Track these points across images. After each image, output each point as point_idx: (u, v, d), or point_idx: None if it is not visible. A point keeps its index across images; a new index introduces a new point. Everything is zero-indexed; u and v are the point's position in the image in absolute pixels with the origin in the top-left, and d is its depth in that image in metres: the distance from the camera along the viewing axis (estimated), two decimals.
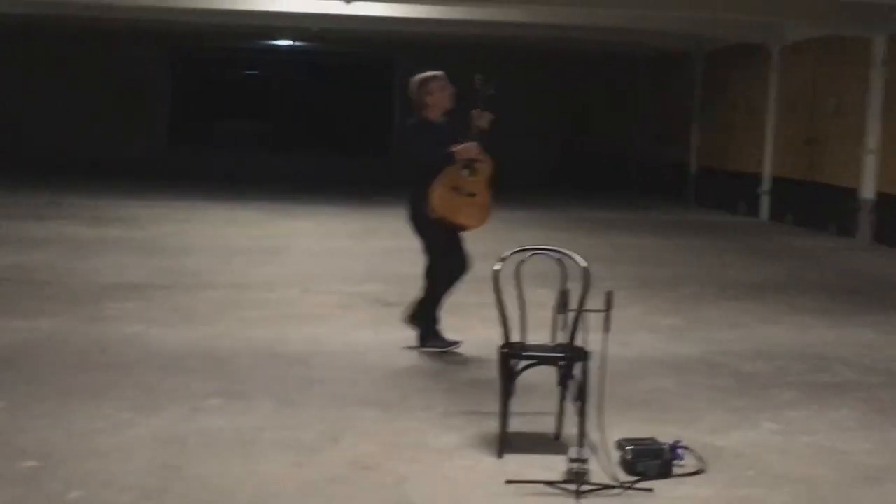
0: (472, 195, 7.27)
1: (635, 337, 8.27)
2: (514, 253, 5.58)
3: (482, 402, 6.01)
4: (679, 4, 14.11)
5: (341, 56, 29.53)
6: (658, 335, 8.46)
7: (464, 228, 7.38)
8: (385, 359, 7.36)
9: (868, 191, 14.75)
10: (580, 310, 5.30)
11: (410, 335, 7.79)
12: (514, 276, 5.53)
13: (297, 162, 26.63)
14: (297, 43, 25.65)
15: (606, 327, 5.05)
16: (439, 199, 7.20)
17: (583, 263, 5.57)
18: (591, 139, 26.03)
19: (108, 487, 4.70)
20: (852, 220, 15.09)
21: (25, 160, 23.83)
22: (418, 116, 7.47)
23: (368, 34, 21.18)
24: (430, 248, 7.42)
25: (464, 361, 7.31)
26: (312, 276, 10.81)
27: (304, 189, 20.45)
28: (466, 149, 7.25)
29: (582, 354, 5.36)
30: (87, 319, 8.31)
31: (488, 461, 5.23)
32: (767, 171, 17.67)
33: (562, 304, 5.09)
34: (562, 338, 5.50)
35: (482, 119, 7.27)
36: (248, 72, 31.97)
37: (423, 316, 7.52)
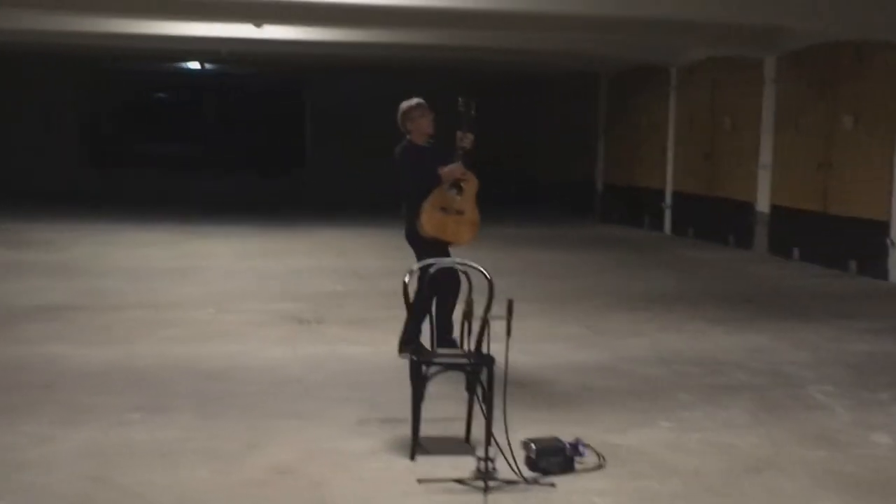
0: (461, 213, 7.73)
1: (542, 346, 8.67)
2: (422, 266, 5.90)
3: (396, 411, 6.28)
4: (580, 27, 14.58)
5: (253, 78, 29.71)
6: (563, 344, 8.85)
7: (454, 245, 7.75)
8: (301, 372, 7.62)
9: (763, 204, 15.39)
10: (484, 317, 5.62)
11: (324, 350, 8.12)
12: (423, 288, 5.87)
13: (211, 182, 26.73)
14: (208, 66, 25.76)
15: (508, 332, 5.37)
16: (428, 219, 7.67)
17: (487, 276, 5.90)
18: (501, 158, 26.50)
19: (35, 497, 4.92)
20: (749, 232, 15.71)
21: None
22: (406, 141, 7.96)
23: (278, 56, 21.39)
24: None
25: (378, 372, 7.60)
26: (229, 295, 11.00)
27: (218, 210, 20.55)
28: (451, 170, 7.74)
29: (488, 361, 5.70)
30: (6, 341, 8.44)
31: (401, 463, 5.54)
32: (669, 187, 18.28)
33: (467, 313, 5.42)
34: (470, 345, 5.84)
35: (465, 140, 7.75)
36: (159, 94, 31.97)
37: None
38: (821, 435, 6.24)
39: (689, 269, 13.91)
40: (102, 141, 28.38)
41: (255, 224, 18.09)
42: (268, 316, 9.85)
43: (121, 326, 9.16)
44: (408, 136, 8.01)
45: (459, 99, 7.73)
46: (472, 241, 7.83)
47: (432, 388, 5.99)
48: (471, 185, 7.79)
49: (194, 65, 25.98)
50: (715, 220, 16.68)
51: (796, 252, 14.56)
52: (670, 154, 18.28)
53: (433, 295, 6.64)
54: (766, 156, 15.36)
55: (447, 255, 7.54)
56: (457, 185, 7.75)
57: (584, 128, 21.77)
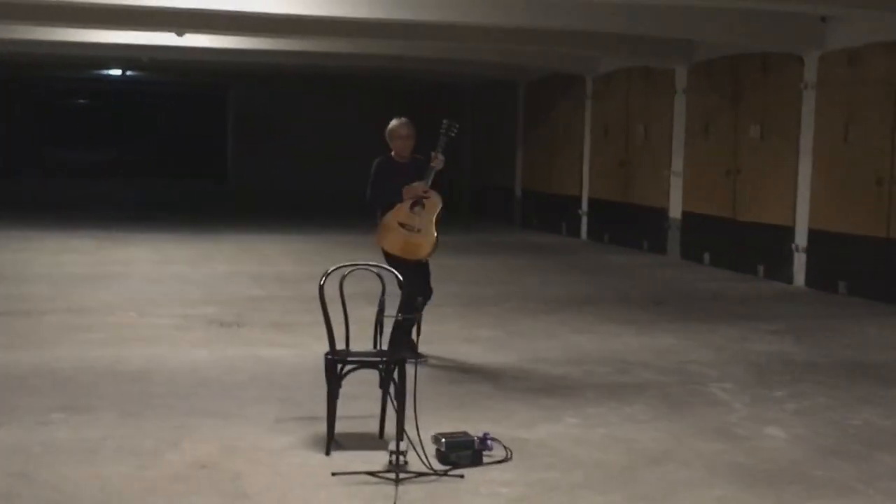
0: (419, 231, 7.95)
1: (457, 348, 8.95)
2: (337, 269, 6.12)
3: (314, 410, 6.50)
4: (497, 38, 14.91)
5: (175, 85, 29.65)
6: (478, 346, 9.12)
7: (406, 260, 7.84)
8: (221, 374, 7.80)
9: (675, 210, 15.87)
10: (396, 318, 5.86)
11: (244, 352, 8.33)
12: (339, 291, 6.11)
13: (132, 189, 26.64)
14: (129, 73, 25.67)
15: (418, 331, 5.61)
16: (384, 234, 8.01)
17: (399, 277, 6.14)
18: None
19: None
20: (662, 238, 16.18)
21: None
22: (384, 156, 8.28)
23: (200, 64, 21.44)
24: None
25: (297, 373, 7.80)
26: (150, 300, 11.11)
27: (140, 216, 20.53)
28: (414, 188, 7.99)
29: (400, 359, 5.94)
30: None
31: (317, 458, 5.76)
32: (586, 193, 18.71)
33: (378, 311, 5.65)
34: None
35: (437, 161, 7.99)
36: (80, 100, 31.73)
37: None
38: (718, 429, 6.58)
39: (603, 274, 14.29)
40: (21, 147, 28.09)
41: (177, 231, 18.13)
42: (188, 320, 9.99)
43: (42, 331, 9.25)
44: (391, 152, 8.31)
45: (444, 121, 8.03)
46: (428, 256, 8.09)
47: (350, 388, 6.24)
48: (432, 204, 8.01)
49: (116, 72, 25.87)
50: (630, 225, 17.12)
51: (707, 257, 15.04)
52: (586, 161, 18.71)
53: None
54: (677, 163, 15.84)
55: (408, 266, 7.69)
56: (418, 202, 7.98)
57: (503, 135, 22.14)
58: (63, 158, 29.32)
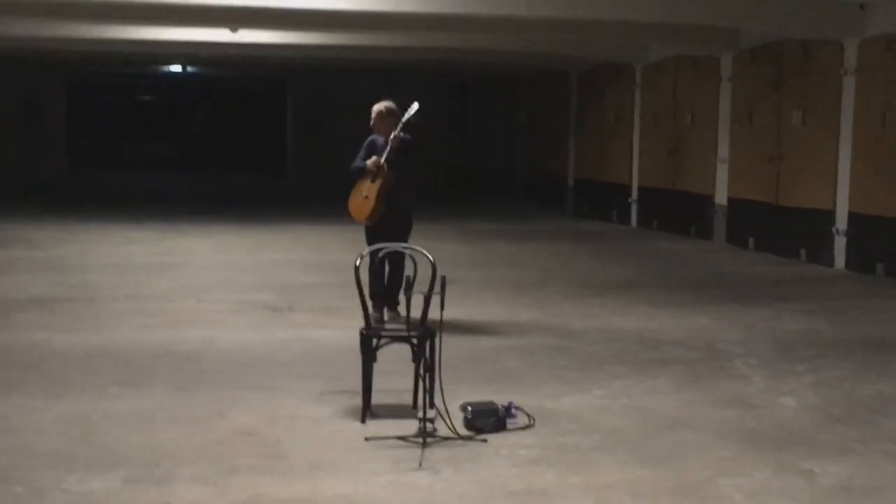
0: (367, 198, 9.07)
1: (496, 328, 9.36)
2: (372, 250, 6.54)
3: (354, 384, 6.83)
4: (548, 29, 15.24)
5: (235, 80, 30.29)
6: (517, 326, 9.51)
7: (360, 220, 9.22)
8: (270, 353, 8.26)
9: (721, 196, 16.10)
10: (430, 293, 6.27)
11: (293, 333, 8.84)
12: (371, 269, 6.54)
13: (194, 183, 27.33)
14: (190, 68, 26.36)
15: (441, 305, 6.02)
16: (349, 200, 9.22)
17: (431, 258, 6.54)
18: (478, 155, 27.22)
19: (25, 455, 5.56)
20: (709, 224, 16.41)
21: None
22: (373, 135, 9.34)
23: (257, 59, 22.03)
24: None
25: (342, 353, 8.23)
26: (207, 287, 11.63)
27: (200, 209, 21.16)
28: (370, 163, 9.09)
29: (430, 333, 6.35)
30: None
31: (353, 426, 6.20)
32: (635, 181, 18.98)
33: (407, 287, 6.07)
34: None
35: (392, 140, 8.98)
36: (144, 96, 32.55)
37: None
38: (734, 399, 6.92)
39: (648, 259, 14.59)
40: (88, 142, 28.95)
41: (236, 222, 18.70)
42: (242, 305, 10.47)
43: (104, 316, 9.78)
44: (375, 132, 9.31)
45: (414, 105, 8.90)
46: (366, 220, 9.12)
47: (388, 364, 6.67)
48: (382, 178, 9.01)
49: (177, 68, 26.60)
50: (677, 212, 17.37)
51: (751, 242, 15.25)
52: (636, 149, 18.97)
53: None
54: (723, 150, 16.06)
55: (375, 232, 9.00)
56: (375, 174, 9.01)
57: (556, 125, 22.46)
58: (126, 153, 30.14)
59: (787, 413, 6.62)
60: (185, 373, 7.54)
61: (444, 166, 28.05)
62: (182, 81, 29.98)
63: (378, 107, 9.31)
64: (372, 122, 9.31)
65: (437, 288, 6.12)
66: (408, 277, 6.15)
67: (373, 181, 9.04)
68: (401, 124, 8.95)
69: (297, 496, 5.03)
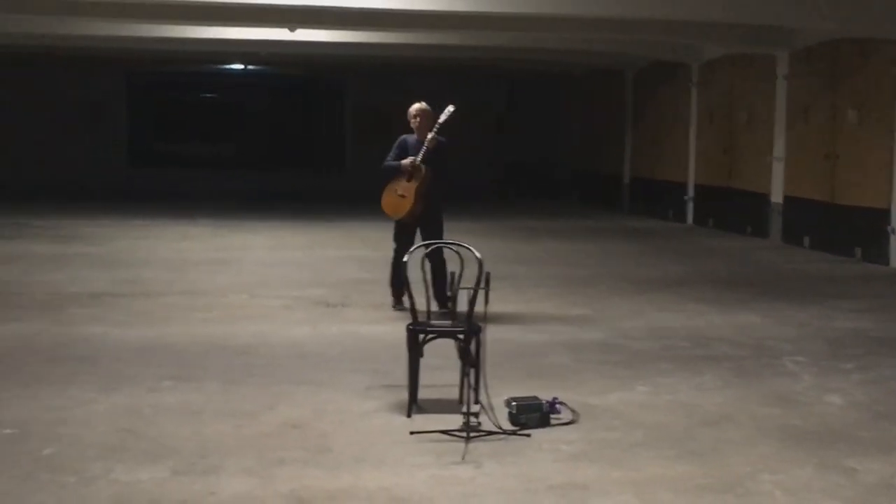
0: (403, 196, 9.40)
1: (545, 325, 9.39)
2: (419, 247, 6.62)
3: (403, 379, 6.93)
4: (603, 28, 15.24)
5: (294, 78, 30.52)
6: (566, 323, 9.54)
7: (397, 218, 9.59)
8: (321, 348, 8.37)
9: (777, 195, 15.97)
10: (475, 291, 6.32)
11: (345, 329, 8.94)
12: (421, 267, 6.62)
13: (252, 180, 27.61)
14: (250, 67, 26.63)
15: (486, 301, 6.07)
16: (383, 198, 9.64)
17: (478, 255, 6.59)
18: (533, 153, 27.21)
19: (76, 446, 5.70)
20: (764, 222, 16.30)
21: None
22: (408, 134, 9.69)
23: (317, 57, 22.23)
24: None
25: (392, 348, 8.31)
26: (262, 282, 11.79)
27: (258, 206, 21.41)
28: (405, 162, 9.40)
29: (476, 329, 6.41)
30: (53, 322, 9.26)
31: (399, 420, 6.27)
32: (691, 179, 18.88)
33: (452, 283, 6.13)
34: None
35: (429, 141, 9.35)
36: (204, 95, 32.93)
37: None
38: (780, 396, 6.90)
39: (701, 257, 14.53)
40: (148, 140, 29.35)
41: (293, 219, 18.90)
42: (296, 301, 10.60)
43: (158, 310, 9.96)
44: (411, 130, 9.65)
45: (450, 107, 9.28)
46: (407, 217, 9.46)
47: (437, 360, 6.75)
48: (418, 177, 9.36)
49: (238, 66, 26.89)
50: (733, 210, 17.27)
51: (807, 240, 15.12)
52: (692, 147, 18.88)
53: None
54: (779, 148, 15.94)
55: (402, 225, 9.58)
56: (409, 174, 9.32)
57: (611, 123, 22.41)
58: (186, 151, 30.51)
59: (833, 410, 6.59)
60: (236, 367, 7.67)
61: (497, 164, 28.09)
62: (242, 80, 30.29)
63: (418, 107, 9.62)
64: (412, 121, 9.60)
65: (483, 284, 6.17)
66: (452, 274, 6.21)
67: (409, 180, 9.37)
68: (437, 126, 9.29)
69: (341, 488, 5.11)
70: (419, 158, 9.36)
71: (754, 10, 13.24)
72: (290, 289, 11.34)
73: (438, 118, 9.36)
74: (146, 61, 25.41)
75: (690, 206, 18.90)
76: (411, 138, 9.62)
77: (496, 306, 9.95)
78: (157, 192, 24.29)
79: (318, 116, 32.31)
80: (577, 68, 23.07)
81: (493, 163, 28.16)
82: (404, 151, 9.53)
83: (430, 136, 9.33)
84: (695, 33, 15.73)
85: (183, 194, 23.90)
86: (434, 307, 7.22)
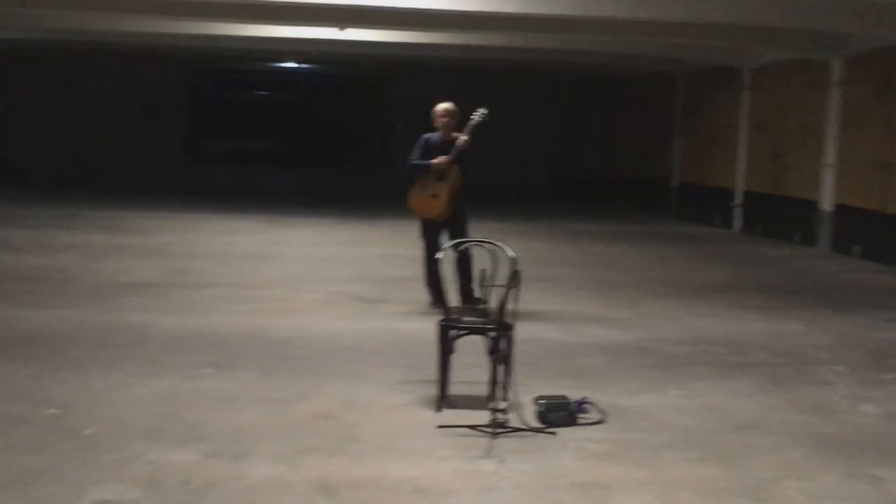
0: (434, 196, 9.48)
1: (583, 327, 9.42)
2: (453, 245, 6.71)
3: (434, 374, 7.01)
4: (653, 31, 15.23)
5: (345, 77, 30.73)
6: (604, 325, 9.56)
7: (427, 217, 9.69)
8: (358, 342, 8.47)
9: (827, 203, 15.85)
10: (506, 289, 6.39)
11: (383, 324, 9.06)
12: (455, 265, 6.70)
13: (302, 177, 27.84)
14: (303, 65, 26.87)
15: (516, 298, 6.14)
16: (411, 197, 9.71)
17: (511, 254, 6.64)
18: (581, 156, 27.19)
19: (116, 427, 5.86)
20: (813, 230, 16.18)
21: (47, 176, 25.14)
22: (431, 133, 9.76)
23: (367, 56, 22.40)
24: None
25: (428, 344, 8.38)
26: (304, 277, 11.94)
27: (305, 202, 21.61)
28: (437, 162, 9.46)
29: (507, 326, 6.47)
30: (101, 310, 9.47)
31: (428, 414, 6.36)
32: (740, 185, 18.79)
33: (481, 281, 6.21)
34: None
35: (460, 141, 9.36)
36: (259, 92, 33.25)
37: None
38: (814, 404, 6.88)
39: (746, 264, 14.47)
40: (204, 136, 29.68)
41: (338, 216, 19.08)
42: (337, 296, 10.73)
43: (202, 301, 10.14)
44: (437, 131, 9.71)
45: (482, 110, 9.40)
46: (438, 217, 9.58)
47: (468, 357, 6.82)
48: (452, 177, 9.48)
49: (291, 64, 27.14)
50: (782, 218, 17.17)
51: (857, 249, 15.00)
52: (741, 153, 18.79)
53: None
54: (830, 155, 15.82)
55: (432, 224, 9.63)
56: (440, 174, 9.40)
57: (660, 127, 22.34)
58: (239, 148, 30.79)
59: (866, 420, 6.57)
60: (274, 357, 7.80)
61: (545, 168, 28.10)
62: (295, 78, 30.54)
63: (446, 107, 9.70)
64: (439, 120, 9.65)
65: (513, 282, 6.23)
66: (483, 271, 6.28)
67: (439, 180, 9.46)
68: (469, 127, 9.38)
69: (366, 477, 5.21)
70: (451, 158, 9.43)
71: (810, 16, 13.19)
72: (332, 284, 11.48)
73: (470, 120, 9.43)
74: (202, 59, 25.77)
75: (739, 213, 18.80)
76: (434, 137, 9.69)
77: (534, 306, 10.09)
78: (210, 187, 24.59)
79: (367, 115, 32.49)
80: (628, 72, 23.04)
81: (542, 166, 28.16)
82: (428, 151, 9.60)
83: (463, 137, 9.41)
84: (749, 38, 15.67)
85: (235, 190, 24.20)
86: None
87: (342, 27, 15.92)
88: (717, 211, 19.43)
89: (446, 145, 9.55)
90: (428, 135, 9.76)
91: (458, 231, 9.54)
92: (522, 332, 8.44)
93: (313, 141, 30.82)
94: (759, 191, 18.06)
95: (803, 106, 16.73)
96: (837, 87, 15.71)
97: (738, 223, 18.80)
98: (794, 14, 13.19)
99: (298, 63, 26.66)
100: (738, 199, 18.80)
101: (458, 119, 9.69)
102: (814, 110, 16.35)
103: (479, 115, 9.43)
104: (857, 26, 13.55)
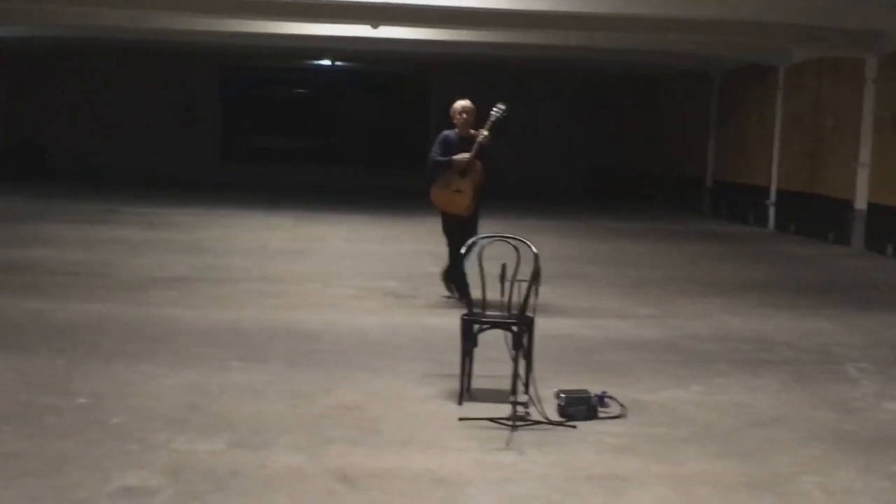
0: (459, 191, 9.59)
1: (609, 323, 9.46)
2: (477, 240, 6.77)
3: (458, 369, 7.09)
4: (687, 29, 15.23)
5: (380, 75, 30.87)
6: (632, 322, 9.59)
7: (451, 213, 9.78)
8: (385, 337, 8.56)
9: (861, 201, 15.76)
10: (529, 284, 6.44)
11: (411, 319, 9.14)
12: (478, 260, 6.75)
13: (338, 174, 28.01)
14: (338, 63, 27.02)
15: (536, 293, 6.20)
16: (434, 193, 9.77)
17: (535, 250, 6.70)
18: (616, 155, 27.14)
19: (143, 416, 5.97)
20: (847, 229, 16.09)
21: (84, 173, 25.46)
22: (451, 130, 9.86)
23: (401, 54, 22.50)
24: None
25: (455, 339, 8.41)
26: (336, 272, 12.04)
27: (341, 199, 21.76)
28: (460, 158, 9.52)
29: (529, 321, 6.53)
30: (133, 304, 9.61)
31: (450, 407, 6.43)
32: (774, 183, 18.71)
33: (501, 276, 6.28)
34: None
35: (482, 137, 9.51)
36: (293, 90, 33.48)
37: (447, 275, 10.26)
38: (838, 401, 6.88)
39: (778, 263, 14.41)
40: (239, 135, 29.92)
41: (372, 213, 19.18)
42: (367, 291, 10.82)
43: (234, 296, 10.26)
44: (455, 128, 9.84)
45: (501, 105, 9.47)
46: (462, 212, 9.67)
47: (493, 351, 6.87)
48: (474, 172, 9.57)
49: (325, 62, 27.30)
50: (816, 216, 17.08)
51: (891, 249, 14.90)
52: (776, 152, 18.71)
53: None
54: (864, 154, 15.72)
55: (455, 219, 9.72)
56: (463, 170, 9.48)
57: (695, 125, 22.28)
58: (275, 145, 31.01)
59: (889, 417, 6.57)
60: (301, 351, 7.89)
61: (581, 166, 28.08)
62: (331, 76, 30.71)
63: (465, 104, 9.80)
64: (458, 117, 9.76)
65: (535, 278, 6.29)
66: (504, 266, 6.34)
67: (463, 176, 9.56)
68: (489, 123, 9.47)
69: (385, 467, 5.28)
70: (473, 154, 9.53)
71: (844, 14, 13.14)
72: (363, 279, 11.57)
73: (490, 115, 9.50)
74: (237, 57, 25.97)
75: (772, 211, 18.73)
76: (453, 134, 9.80)
77: (563, 302, 10.14)
78: (246, 184, 24.81)
79: (403, 112, 32.61)
80: (662, 70, 22.99)
81: (578, 164, 28.14)
82: (448, 148, 9.71)
83: (484, 133, 9.50)
84: (784, 36, 15.62)
85: (269, 187, 24.37)
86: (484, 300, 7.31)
87: (374, 25, 16.01)
88: (751, 209, 19.35)
89: (465, 142, 9.66)
90: (447, 132, 9.87)
91: (471, 226, 9.63)
92: (549, 327, 8.59)
93: (347, 138, 31.01)
94: (794, 189, 17.98)
95: (838, 104, 16.63)
96: (872, 85, 15.61)
97: (772, 222, 18.72)
98: (828, 12, 13.16)
99: (333, 61, 26.80)
100: (773, 197, 18.71)
101: (476, 116, 9.80)
102: (848, 108, 16.25)
103: (498, 110, 9.52)
104: (892, 24, 13.47)
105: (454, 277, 9.96)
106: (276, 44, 20.02)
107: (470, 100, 9.89)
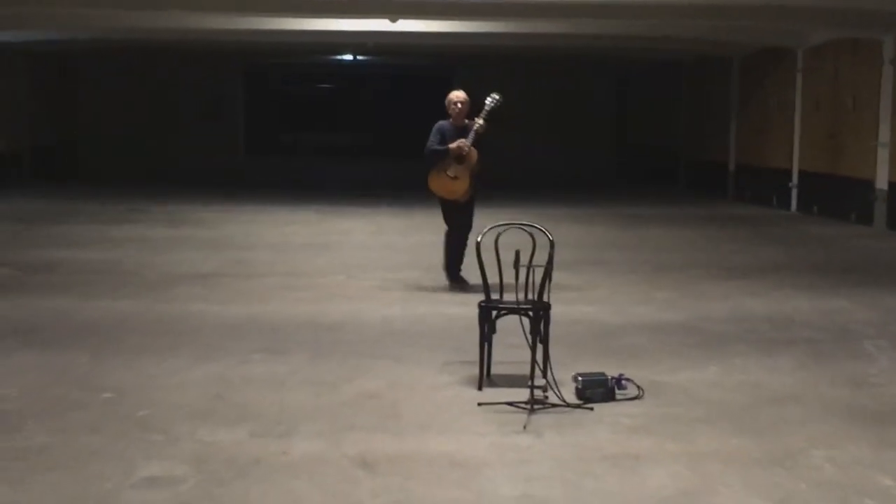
0: (456, 178, 9.91)
1: (629, 307, 9.54)
2: (493, 227, 6.87)
3: (478, 356, 7.27)
4: (709, 15, 15.24)
5: (403, 68, 30.99)
6: (651, 306, 9.67)
7: (449, 199, 10.20)
8: (407, 326, 8.68)
9: (882, 181, 15.75)
10: (545, 270, 6.54)
11: (433, 309, 9.26)
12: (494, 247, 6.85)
13: (362, 167, 28.17)
14: (360, 57, 27.16)
15: (550, 278, 6.30)
16: (432, 180, 10.19)
17: (550, 237, 6.80)
18: (639, 141, 27.17)
19: (169, 408, 6.13)
20: (869, 209, 16.08)
21: (110, 171, 25.72)
22: (445, 120, 10.23)
23: (421, 47, 22.60)
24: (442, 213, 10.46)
25: (474, 327, 8.56)
26: (359, 265, 12.17)
27: (365, 193, 21.89)
28: (456, 145, 9.94)
29: (545, 307, 6.63)
30: (159, 300, 9.78)
31: (470, 392, 6.55)
32: (796, 166, 18.71)
33: (515, 262, 6.39)
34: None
35: (478, 125, 9.92)
36: (317, 85, 33.69)
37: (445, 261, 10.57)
38: (853, 378, 6.95)
39: (800, 244, 14.44)
40: (264, 130, 30.14)
41: (396, 205, 19.29)
42: (390, 282, 10.94)
43: (258, 290, 10.41)
44: (450, 117, 10.18)
45: (495, 95, 9.81)
46: (459, 198, 10.09)
47: (513, 338, 6.96)
48: (471, 159, 9.91)
49: (347, 57, 27.44)
50: (838, 197, 17.07)
51: None
52: (797, 134, 18.70)
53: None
54: (884, 134, 15.71)
55: (453, 205, 10.14)
56: (459, 157, 9.79)
57: (717, 110, 22.27)
58: (300, 141, 31.22)
59: None
60: (324, 342, 8.03)
61: (606, 152, 28.09)
62: (353, 70, 30.86)
63: (460, 95, 10.18)
64: (453, 108, 10.10)
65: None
66: (517, 252, 6.44)
67: (459, 163, 9.89)
68: (485, 113, 9.80)
69: (405, 452, 5.41)
70: (470, 142, 9.85)
71: None
72: (386, 271, 11.69)
73: (485, 105, 9.83)
74: (262, 54, 26.16)
75: (795, 194, 18.72)
76: (447, 124, 10.16)
77: (584, 288, 10.24)
78: (271, 180, 24.99)
79: (426, 105, 32.71)
80: (684, 56, 22.99)
81: (602, 151, 28.17)
82: (443, 137, 10.03)
83: (480, 122, 9.85)
84: (802, 18, 15.61)
85: (295, 182, 24.53)
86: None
87: (393, 18, 16.12)
88: (774, 192, 19.35)
89: (459, 131, 10.01)
90: (441, 122, 10.20)
91: (469, 213, 10.15)
92: (569, 313, 8.71)
93: (374, 132, 31.17)
94: (816, 171, 17.98)
95: (857, 85, 16.62)
96: (890, 66, 15.58)
97: (794, 204, 18.72)
98: None
99: (354, 56, 26.94)
100: (795, 179, 18.71)
101: (472, 107, 10.12)
102: (867, 89, 16.23)
103: (492, 100, 9.84)
104: None
105: (447, 261, 10.40)
106: (298, 40, 20.18)
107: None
